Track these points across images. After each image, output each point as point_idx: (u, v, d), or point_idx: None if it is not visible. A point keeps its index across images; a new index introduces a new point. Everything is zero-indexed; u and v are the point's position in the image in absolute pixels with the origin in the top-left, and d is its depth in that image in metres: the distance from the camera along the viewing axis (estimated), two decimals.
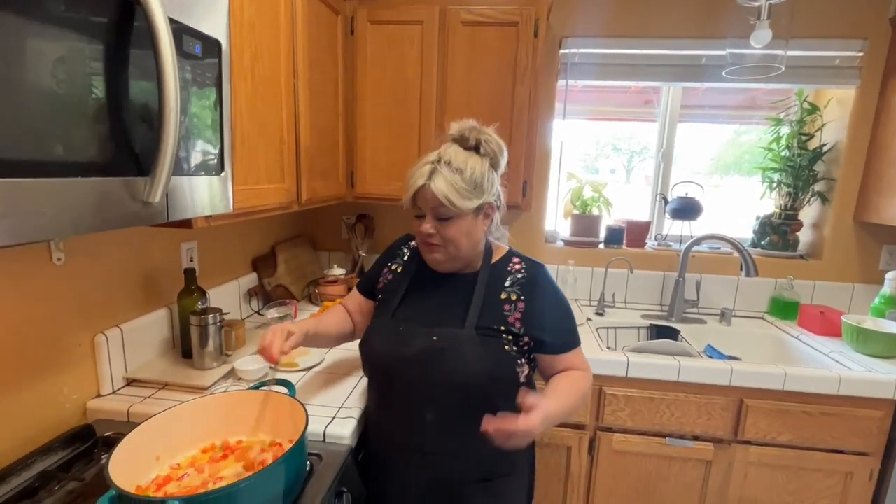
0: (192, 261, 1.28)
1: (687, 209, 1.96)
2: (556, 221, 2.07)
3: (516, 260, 0.95)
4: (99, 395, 1.00)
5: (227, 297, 1.42)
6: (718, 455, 1.36)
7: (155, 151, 0.59)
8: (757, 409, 1.32)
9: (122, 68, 0.57)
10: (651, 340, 1.66)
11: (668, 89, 1.98)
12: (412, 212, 0.90)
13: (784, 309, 1.80)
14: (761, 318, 1.85)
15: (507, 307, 0.88)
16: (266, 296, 1.61)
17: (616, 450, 1.39)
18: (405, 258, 1.02)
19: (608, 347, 1.48)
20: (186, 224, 0.84)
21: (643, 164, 2.34)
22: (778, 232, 1.92)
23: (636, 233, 2.02)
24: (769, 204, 2.00)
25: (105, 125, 0.55)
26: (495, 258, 0.95)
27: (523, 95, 1.53)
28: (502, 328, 0.86)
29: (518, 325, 0.87)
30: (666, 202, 2.03)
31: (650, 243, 2.05)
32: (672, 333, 1.70)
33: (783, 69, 1.49)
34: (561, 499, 1.45)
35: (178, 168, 0.67)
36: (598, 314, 1.81)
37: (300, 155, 1.23)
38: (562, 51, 1.82)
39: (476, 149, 0.88)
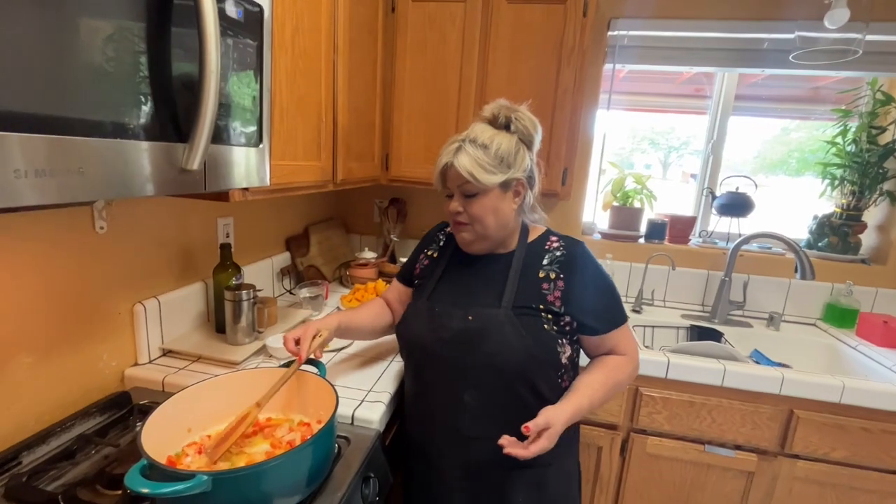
0: (227, 236, 1.28)
1: (737, 205, 1.84)
2: (595, 213, 1.99)
3: (554, 238, 0.92)
4: (136, 364, 1.02)
5: (260, 274, 1.43)
6: (762, 467, 1.28)
7: (194, 116, 0.57)
8: (808, 422, 1.23)
9: (165, 30, 0.55)
10: (692, 342, 1.57)
11: (723, 76, 1.86)
12: (444, 194, 0.90)
13: (840, 316, 1.67)
14: (813, 324, 1.72)
15: (545, 286, 0.85)
16: (298, 275, 1.62)
17: (650, 453, 1.33)
18: (441, 244, 1.01)
19: (646, 346, 1.41)
20: (223, 197, 0.83)
21: (680, 161, 2.22)
22: (838, 233, 1.78)
23: (679, 228, 1.92)
24: (820, 202, 1.86)
25: (147, 88, 0.54)
26: (531, 238, 0.93)
27: (568, 79, 1.46)
28: (541, 307, 0.84)
29: (558, 304, 0.84)
30: (713, 197, 1.92)
31: (694, 240, 1.95)
32: (714, 336, 1.61)
33: (860, 53, 1.35)
34: (589, 499, 1.41)
35: (217, 137, 0.65)
36: (635, 311, 1.73)
37: (337, 134, 1.21)
38: (610, 32, 1.72)
39: (506, 127, 0.87)
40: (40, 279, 0.81)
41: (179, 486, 0.54)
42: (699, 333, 1.65)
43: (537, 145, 0.90)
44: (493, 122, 0.88)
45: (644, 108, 2.13)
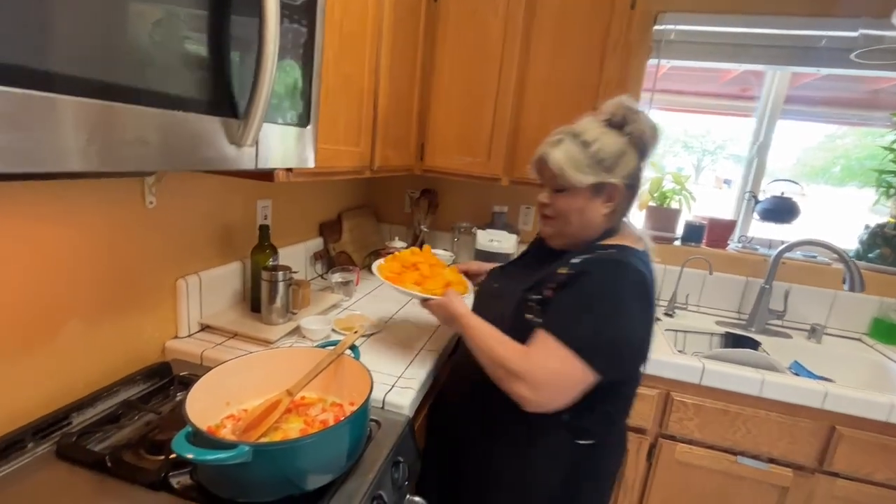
0: (266, 218, 1.31)
1: (781, 211, 1.77)
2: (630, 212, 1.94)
3: (604, 251, 0.79)
4: (176, 337, 1.05)
5: (294, 258, 1.45)
6: (798, 483, 1.23)
7: (250, 93, 0.58)
8: (851, 440, 1.18)
9: (227, 7, 0.56)
10: (728, 349, 1.52)
11: (774, 75, 1.77)
12: (538, 183, 0.90)
13: (889, 332, 1.59)
14: (859, 339, 1.64)
15: (552, 279, 0.80)
16: (330, 260, 1.64)
17: (679, 460, 1.29)
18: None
19: (678, 351, 1.37)
20: (268, 177, 0.84)
21: (714, 165, 2.14)
22: (891, 245, 1.68)
23: (718, 232, 1.85)
24: (866, 211, 1.76)
25: (207, 62, 0.55)
26: (604, 242, 0.82)
27: (611, 73, 1.42)
28: (538, 297, 0.80)
29: (550, 294, 0.79)
30: (756, 202, 1.85)
31: (733, 244, 1.88)
32: (750, 345, 1.55)
33: None
34: (612, 500, 1.38)
35: (270, 115, 0.65)
36: (667, 315, 1.69)
37: (377, 120, 1.21)
38: (656, 27, 1.67)
39: (620, 126, 0.81)
40: (92, 249, 0.84)
41: (222, 455, 0.55)
42: (734, 341, 1.60)
43: (650, 154, 0.83)
44: (609, 120, 0.82)
45: (681, 108, 2.05)
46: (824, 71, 1.64)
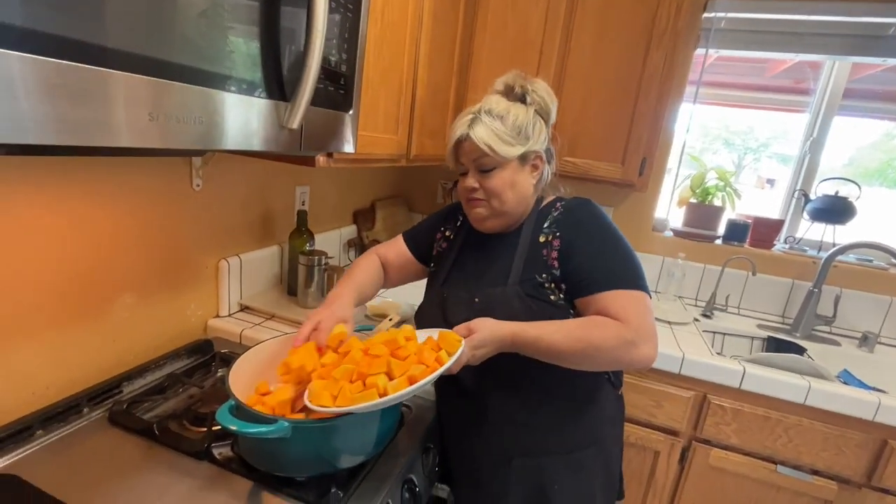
0: (304, 204, 1.34)
1: (835, 211, 1.67)
2: (669, 209, 1.87)
3: (560, 203, 0.84)
4: (218, 316, 1.10)
5: (329, 244, 1.48)
6: (843, 497, 1.17)
7: (298, 75, 0.59)
8: None
9: None
10: (771, 353, 1.46)
11: (833, 66, 1.67)
12: (457, 172, 0.86)
13: None
14: None
15: (544, 251, 0.79)
16: (363, 248, 1.66)
17: (713, 465, 1.25)
18: (458, 223, 0.95)
19: (717, 354, 1.32)
20: (310, 161, 0.86)
21: (756, 164, 2.03)
22: None
23: (764, 231, 1.77)
24: None
25: (258, 46, 0.56)
26: (543, 204, 0.86)
27: (656, 63, 1.36)
28: (544, 275, 0.77)
29: (556, 264, 0.77)
30: (807, 200, 1.75)
31: (779, 245, 1.79)
32: (795, 350, 1.47)
33: None
34: (640, 502, 1.35)
35: (315, 99, 0.66)
36: (705, 316, 1.63)
37: (414, 108, 1.22)
38: (706, 14, 1.59)
39: (521, 99, 0.82)
40: (143, 228, 0.88)
41: (263, 429, 0.57)
42: (777, 346, 1.52)
43: (553, 118, 0.85)
44: (508, 93, 0.83)
45: (724, 101, 1.95)
46: (891, 61, 1.52)
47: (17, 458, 0.64)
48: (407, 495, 0.70)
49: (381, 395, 0.60)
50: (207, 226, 1.02)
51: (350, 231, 1.63)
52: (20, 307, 0.71)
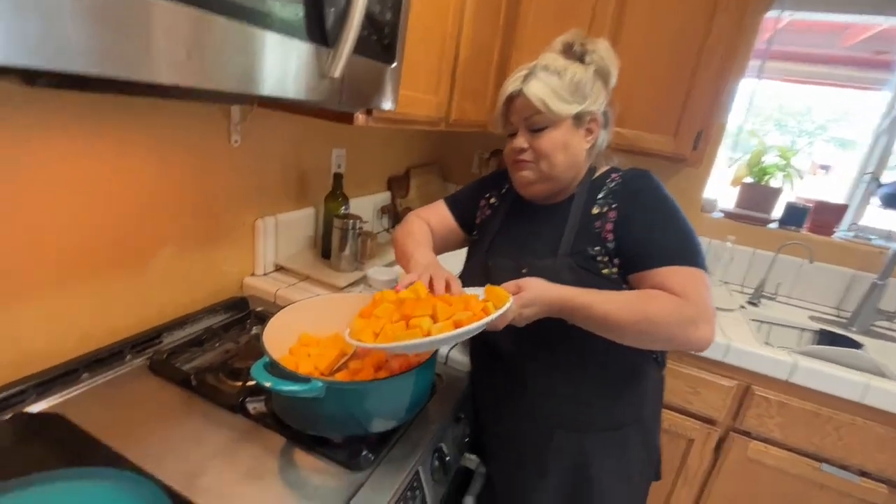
0: (340, 167, 1.32)
1: None
2: (719, 189, 1.76)
3: (616, 174, 0.78)
4: (253, 275, 1.10)
5: (363, 209, 1.46)
6: (892, 502, 1.10)
7: (341, 21, 0.55)
8: None
9: None
10: (825, 346, 1.36)
11: None
12: (505, 134, 0.81)
13: None
14: None
15: (598, 223, 0.74)
16: (395, 215, 1.64)
17: (751, 458, 1.20)
18: (503, 190, 0.90)
19: (766, 344, 1.24)
20: (347, 118, 0.82)
21: (810, 149, 1.85)
22: None
23: (825, 216, 1.63)
24: None
25: None
26: (597, 175, 0.81)
27: (721, 28, 1.24)
28: (597, 248, 0.73)
29: (610, 237, 0.72)
30: (878, 185, 1.60)
31: (841, 232, 1.65)
32: (850, 345, 1.37)
33: None
34: (668, 489, 1.32)
35: (358, 48, 0.62)
36: (751, 304, 1.54)
37: (456, 69, 1.15)
38: None
39: (581, 58, 0.77)
40: (182, 181, 0.88)
41: (296, 387, 0.56)
42: (830, 340, 1.42)
43: (614, 81, 0.79)
44: (567, 51, 0.78)
45: (788, 77, 1.77)
46: None
47: (63, 398, 0.66)
48: (437, 463, 0.69)
49: (424, 336, 0.57)
50: (245, 183, 1.02)
51: (384, 198, 1.61)
52: (66, 253, 0.72)
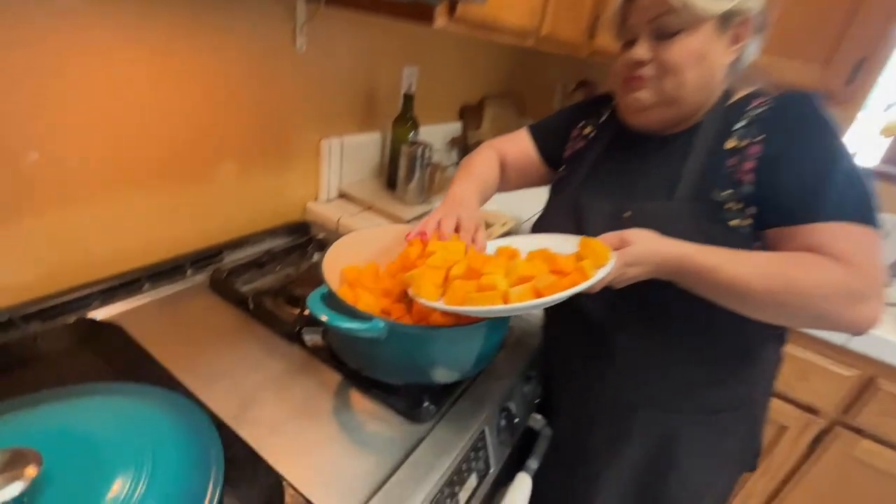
0: (411, 88, 1.19)
1: None
2: (864, 139, 1.43)
3: (764, 99, 0.59)
4: (317, 200, 1.05)
5: (431, 139, 1.34)
6: None
7: None
8: None
9: None
10: None
11: None
12: (619, 42, 0.62)
13: None
14: None
15: (732, 161, 0.57)
16: (466, 149, 1.50)
17: (857, 457, 1.03)
18: (602, 119, 0.73)
19: None
20: (426, 14, 0.68)
21: None
22: None
23: None
24: None
25: None
26: (732, 101, 0.61)
27: None
28: (728, 192, 0.56)
29: (749, 178, 0.55)
30: None
31: None
32: None
33: None
34: (744, 476, 1.19)
35: None
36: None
37: None
38: None
39: None
40: (244, 88, 0.80)
41: (356, 325, 0.49)
42: None
43: None
44: None
45: None
46: None
47: (125, 308, 0.65)
48: (503, 422, 0.62)
49: (504, 302, 0.46)
50: (310, 96, 0.93)
51: (455, 129, 1.47)
52: (129, 159, 0.68)
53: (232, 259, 0.81)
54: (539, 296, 0.47)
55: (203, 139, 0.77)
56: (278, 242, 0.89)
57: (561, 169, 0.76)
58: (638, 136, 0.65)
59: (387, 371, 0.57)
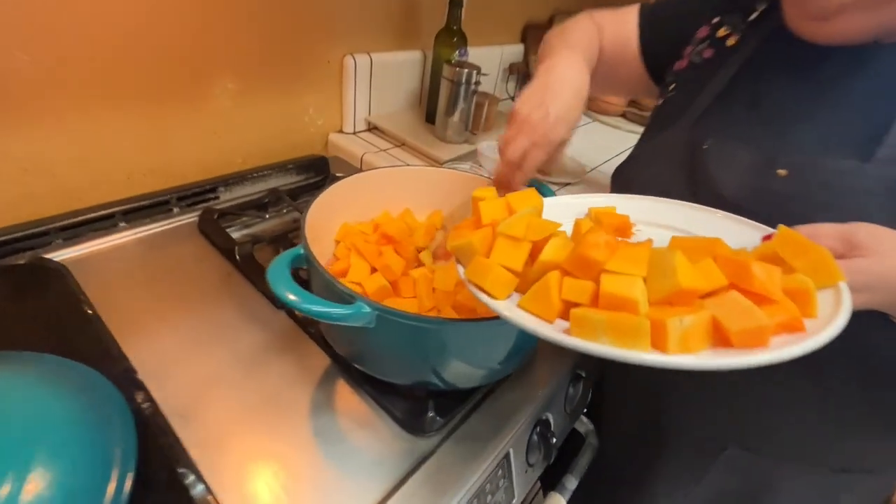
0: None
1: None
2: None
3: None
4: (341, 132, 0.89)
5: (485, 63, 1.10)
6: None
7: None
8: None
9: None
10: None
11: None
12: None
13: None
14: None
15: None
16: (526, 78, 1.26)
17: None
18: (752, 17, 0.47)
19: None
20: None
21: None
22: None
23: None
24: None
25: None
26: None
27: None
28: None
29: None
30: None
31: None
32: None
33: None
34: None
35: None
36: None
37: None
38: None
39: None
40: None
41: (333, 310, 0.34)
42: None
43: None
44: None
45: None
46: None
47: (91, 249, 0.54)
48: (536, 439, 0.46)
49: (658, 348, 0.23)
50: (330, 6, 0.74)
51: (516, 53, 1.22)
52: (102, 68, 0.54)
53: (229, 197, 0.69)
54: (731, 347, 0.23)
55: (191, 45, 0.61)
56: (288, 180, 0.75)
57: (670, 87, 0.53)
58: (811, 50, 0.41)
59: (380, 368, 0.43)
